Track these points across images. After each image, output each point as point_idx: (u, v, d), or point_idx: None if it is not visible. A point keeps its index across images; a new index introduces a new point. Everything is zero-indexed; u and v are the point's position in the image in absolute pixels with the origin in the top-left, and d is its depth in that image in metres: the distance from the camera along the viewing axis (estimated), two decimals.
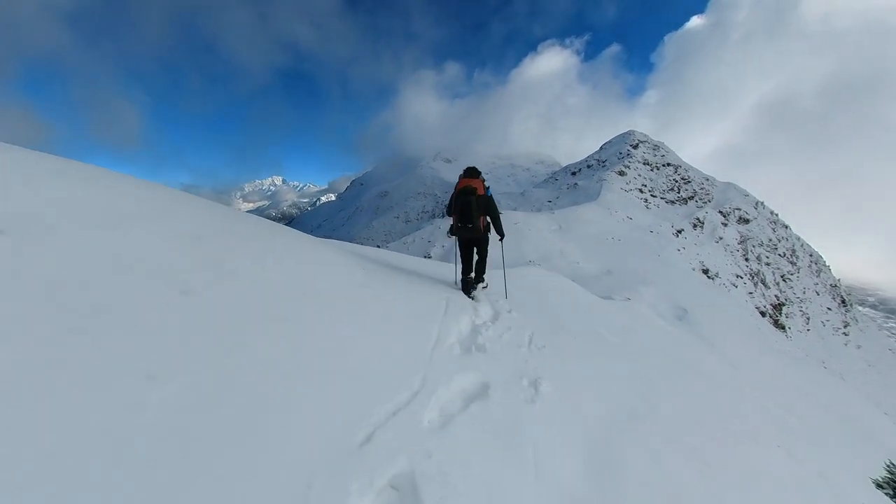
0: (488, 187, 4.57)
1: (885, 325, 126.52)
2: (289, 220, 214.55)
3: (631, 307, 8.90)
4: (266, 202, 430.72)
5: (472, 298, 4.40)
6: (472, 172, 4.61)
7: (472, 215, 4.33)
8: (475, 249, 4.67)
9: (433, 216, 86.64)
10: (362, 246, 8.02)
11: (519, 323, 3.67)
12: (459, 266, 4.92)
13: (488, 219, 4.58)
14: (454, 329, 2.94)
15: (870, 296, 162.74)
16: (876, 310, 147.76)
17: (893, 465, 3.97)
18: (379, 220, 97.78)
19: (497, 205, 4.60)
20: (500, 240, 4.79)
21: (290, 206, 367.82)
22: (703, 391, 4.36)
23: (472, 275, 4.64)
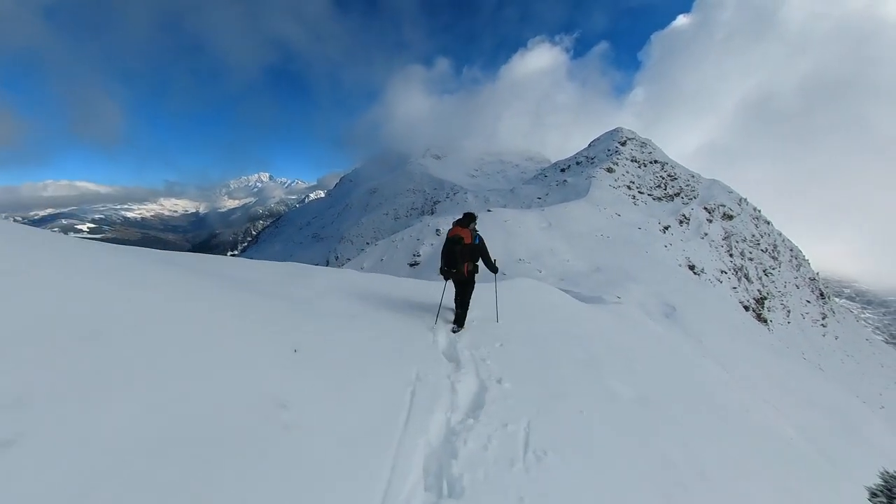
0: (477, 236, 4.95)
1: (861, 315, 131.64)
2: (276, 218, 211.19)
3: (625, 314, 8.76)
4: (252, 199, 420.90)
5: (455, 331, 4.80)
6: (462, 221, 5.04)
7: (456, 261, 4.80)
8: (460, 290, 5.08)
9: (422, 213, 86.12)
10: (322, 270, 7.01)
11: (511, 406, 2.92)
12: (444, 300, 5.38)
13: (477, 264, 5.05)
14: (420, 445, 2.17)
15: (846, 288, 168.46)
16: (852, 301, 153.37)
17: (888, 473, 3.96)
18: (368, 217, 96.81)
19: (487, 249, 5.07)
20: (494, 273, 5.29)
21: (277, 202, 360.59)
22: (721, 460, 3.79)
23: (457, 309, 5.05)
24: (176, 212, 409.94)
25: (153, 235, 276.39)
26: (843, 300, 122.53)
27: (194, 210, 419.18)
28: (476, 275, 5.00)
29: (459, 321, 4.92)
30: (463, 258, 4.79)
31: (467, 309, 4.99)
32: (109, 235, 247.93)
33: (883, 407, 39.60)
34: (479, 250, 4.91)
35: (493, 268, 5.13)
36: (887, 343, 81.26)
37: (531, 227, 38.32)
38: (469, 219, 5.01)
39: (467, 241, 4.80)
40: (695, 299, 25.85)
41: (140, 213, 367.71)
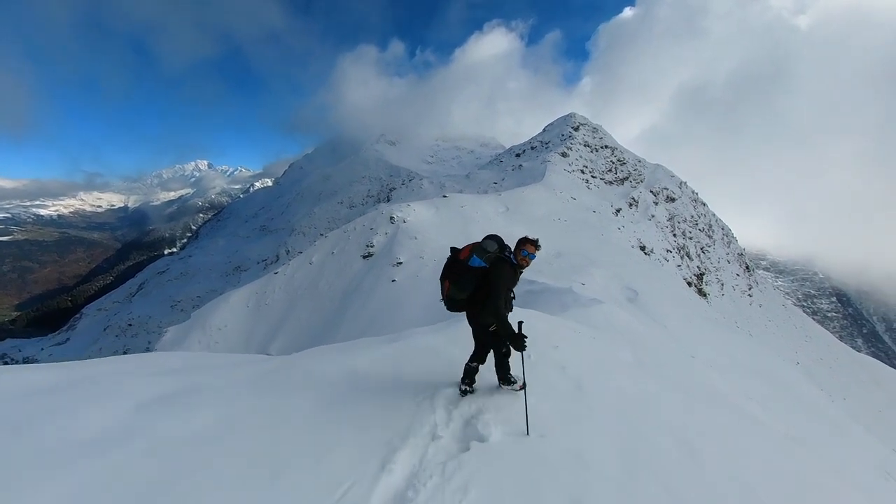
0: (485, 258, 3.51)
1: (775, 283, 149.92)
2: (218, 210, 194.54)
3: (608, 313, 8.15)
4: (190, 190, 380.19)
5: (462, 393, 3.74)
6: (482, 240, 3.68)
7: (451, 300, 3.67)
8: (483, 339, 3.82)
9: (378, 201, 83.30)
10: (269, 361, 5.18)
11: None
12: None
13: (473, 295, 3.66)
14: None
15: (762, 259, 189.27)
16: (768, 271, 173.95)
17: None
18: (321, 206, 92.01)
19: (499, 290, 3.42)
20: (506, 340, 3.52)
21: (218, 193, 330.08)
22: None
23: (476, 364, 3.81)
24: (100, 207, 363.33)
25: (74, 235, 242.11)
26: (761, 271, 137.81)
27: (122, 204, 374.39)
28: (480, 314, 3.61)
29: (502, 379, 3.84)
30: (444, 276, 3.61)
31: (502, 365, 3.80)
32: (20, 238, 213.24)
33: (798, 363, 44.96)
34: (473, 274, 3.47)
35: (504, 329, 3.39)
36: (796, 305, 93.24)
37: (489, 212, 38.03)
38: (488, 239, 3.65)
39: (462, 255, 3.56)
40: (651, 281, 27.11)
41: (56, 210, 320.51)
